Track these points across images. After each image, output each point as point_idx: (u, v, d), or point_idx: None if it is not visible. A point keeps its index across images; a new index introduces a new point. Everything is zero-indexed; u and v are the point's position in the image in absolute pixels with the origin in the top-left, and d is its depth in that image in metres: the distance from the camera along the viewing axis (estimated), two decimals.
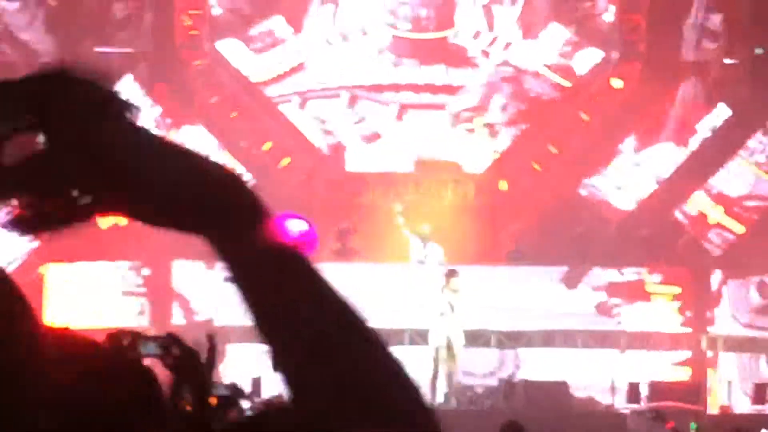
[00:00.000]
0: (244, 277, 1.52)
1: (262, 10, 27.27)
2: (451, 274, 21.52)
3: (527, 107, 27.23)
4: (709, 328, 24.56)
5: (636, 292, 24.62)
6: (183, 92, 26.54)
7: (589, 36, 27.27)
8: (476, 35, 27.09)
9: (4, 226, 1.53)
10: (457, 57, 27.05)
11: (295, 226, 1.59)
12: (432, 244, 24.25)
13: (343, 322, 1.51)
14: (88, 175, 1.48)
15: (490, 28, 27.10)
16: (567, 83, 27.37)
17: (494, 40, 27.04)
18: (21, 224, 1.52)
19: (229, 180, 1.51)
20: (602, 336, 23.86)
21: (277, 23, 27.19)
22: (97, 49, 26.14)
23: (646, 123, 26.73)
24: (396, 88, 27.07)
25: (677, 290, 24.62)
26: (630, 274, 24.77)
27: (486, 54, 27.07)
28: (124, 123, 1.50)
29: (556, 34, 27.18)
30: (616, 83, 26.93)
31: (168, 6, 26.50)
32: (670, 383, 23.21)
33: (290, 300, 1.53)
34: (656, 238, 25.42)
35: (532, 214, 25.64)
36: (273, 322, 1.53)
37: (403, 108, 27.07)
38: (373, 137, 27.13)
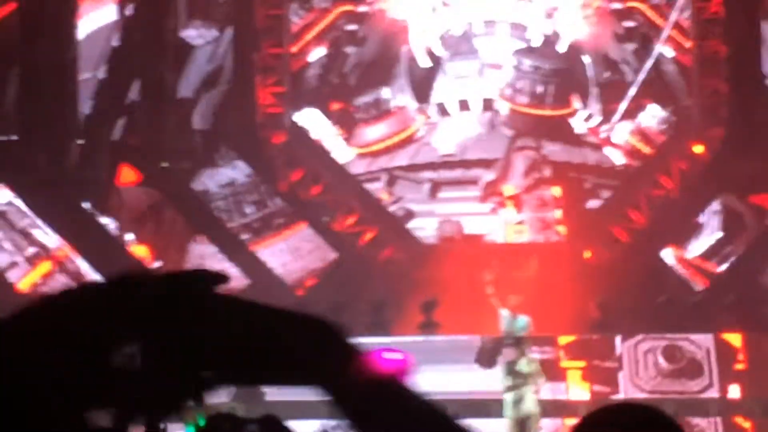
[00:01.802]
0: (355, 413, 1.60)
1: (376, 79, 27.36)
2: (525, 344, 21.65)
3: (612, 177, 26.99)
4: None
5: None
6: (266, 172, 26.37)
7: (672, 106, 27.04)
8: (588, 118, 27.19)
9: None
10: (568, 134, 27.14)
11: (390, 356, 1.65)
12: (521, 315, 23.73)
13: None
14: (212, 357, 1.56)
15: (603, 112, 27.17)
16: (647, 149, 26.99)
17: (602, 122, 27.15)
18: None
19: (323, 329, 1.57)
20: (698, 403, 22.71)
21: (386, 93, 27.35)
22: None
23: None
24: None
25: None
26: None
27: (596, 133, 27.05)
28: (223, 300, 1.58)
29: (655, 114, 27.02)
30: (698, 149, 26.47)
31: (249, 84, 26.39)
32: None
33: (396, 425, 1.62)
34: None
35: (616, 283, 24.76)
36: None
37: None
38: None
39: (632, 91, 26.94)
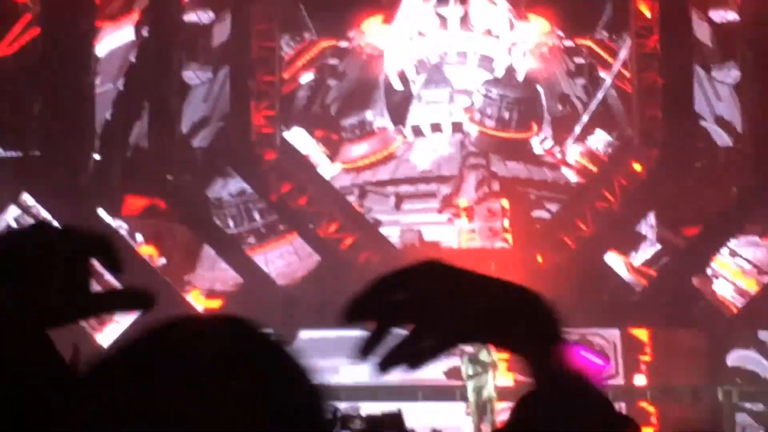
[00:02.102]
0: (546, 390, 1.60)
1: (359, 103, 27.95)
2: None
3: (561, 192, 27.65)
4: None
5: None
6: (259, 185, 26.79)
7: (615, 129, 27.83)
8: (543, 140, 28.00)
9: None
10: (528, 154, 27.90)
11: (591, 358, 1.70)
12: None
13: None
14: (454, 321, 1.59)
15: (554, 136, 28.01)
16: (593, 168, 27.74)
17: (554, 144, 27.99)
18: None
19: (545, 308, 1.58)
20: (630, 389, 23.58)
21: (370, 116, 27.92)
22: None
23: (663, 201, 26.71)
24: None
25: None
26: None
27: (552, 154, 27.91)
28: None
29: (601, 138, 27.85)
30: (636, 167, 27.18)
31: (245, 108, 26.83)
32: None
33: (579, 415, 1.61)
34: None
35: (564, 283, 24.75)
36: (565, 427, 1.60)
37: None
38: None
39: (584, 119, 27.76)
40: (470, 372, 21.23)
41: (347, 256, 26.41)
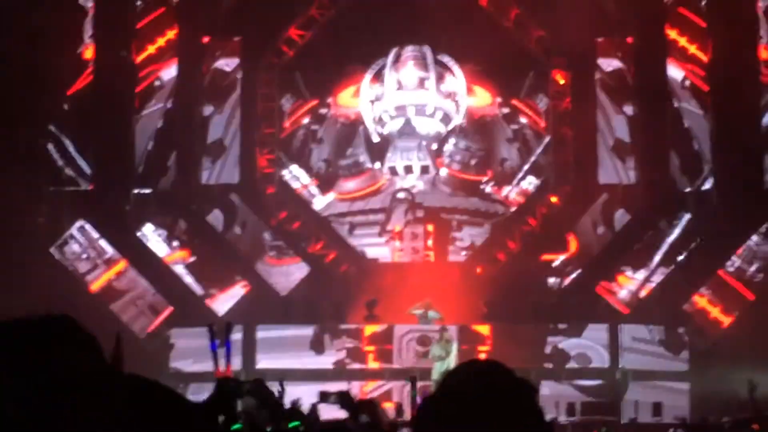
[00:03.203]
0: None
1: (343, 149, 27.72)
2: (444, 329, 21.94)
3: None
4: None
5: None
6: (262, 212, 27.16)
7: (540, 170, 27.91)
8: (492, 184, 27.89)
9: None
10: (481, 192, 27.80)
11: None
12: (432, 311, 24.42)
13: None
14: None
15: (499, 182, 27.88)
16: (521, 200, 27.88)
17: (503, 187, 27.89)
18: None
19: None
20: (548, 371, 23.61)
21: (364, 156, 27.75)
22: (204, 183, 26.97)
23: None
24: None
25: None
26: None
27: (498, 192, 27.89)
28: None
29: (531, 181, 27.96)
30: (554, 199, 27.61)
31: (251, 153, 27.20)
32: (596, 402, 23.00)
33: None
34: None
35: (499, 289, 25.67)
36: None
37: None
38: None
39: (519, 175, 27.72)
40: (438, 354, 21.15)
41: (330, 268, 26.83)
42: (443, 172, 27.66)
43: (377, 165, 27.72)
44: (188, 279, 26.12)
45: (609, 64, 27.23)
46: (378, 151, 27.82)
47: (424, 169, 27.68)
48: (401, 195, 27.36)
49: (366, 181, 27.75)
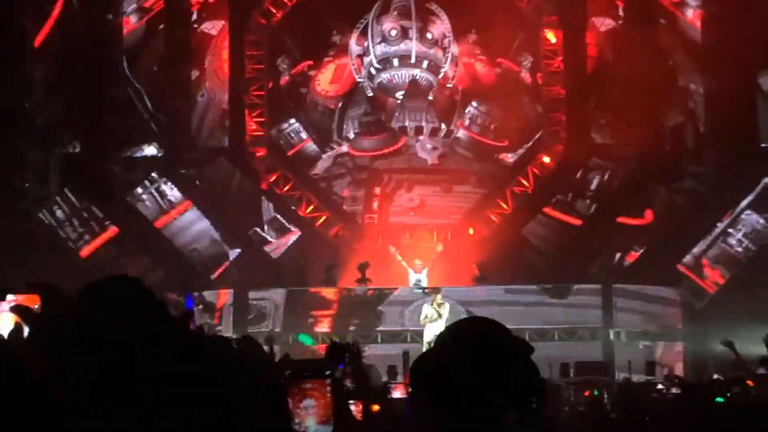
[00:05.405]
0: None
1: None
2: (436, 291, 21.92)
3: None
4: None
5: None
6: (252, 175, 27.17)
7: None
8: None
9: None
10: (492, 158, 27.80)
11: None
12: (422, 273, 24.67)
13: None
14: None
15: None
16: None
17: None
18: None
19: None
20: (542, 331, 23.54)
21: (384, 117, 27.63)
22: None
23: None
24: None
25: None
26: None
27: (505, 158, 27.75)
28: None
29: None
30: (546, 159, 27.77)
31: (240, 116, 27.07)
32: (589, 362, 22.69)
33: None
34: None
35: (491, 250, 25.62)
36: None
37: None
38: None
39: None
40: (431, 316, 21.16)
41: (321, 231, 26.88)
42: (462, 134, 27.63)
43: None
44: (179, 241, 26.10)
45: (602, 23, 27.22)
46: (385, 110, 27.90)
47: (434, 131, 27.75)
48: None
49: (385, 141, 27.66)
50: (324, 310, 23.74)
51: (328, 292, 23.96)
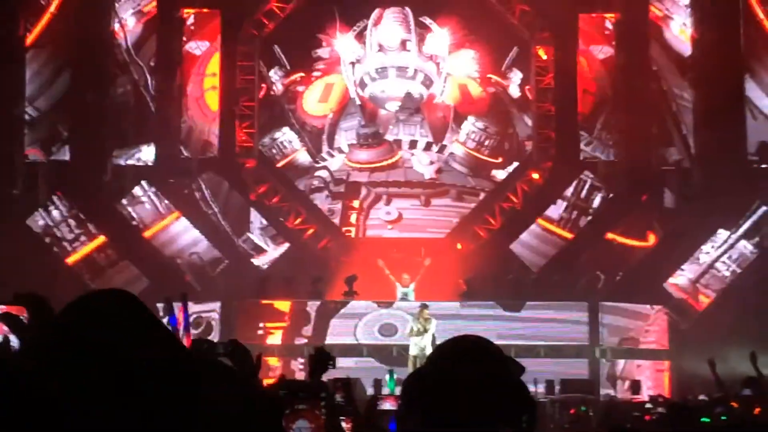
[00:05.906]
0: None
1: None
2: (423, 306, 21.78)
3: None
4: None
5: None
6: (241, 186, 27.13)
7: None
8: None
9: None
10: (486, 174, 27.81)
11: None
12: (410, 287, 24.62)
13: None
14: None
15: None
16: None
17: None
18: None
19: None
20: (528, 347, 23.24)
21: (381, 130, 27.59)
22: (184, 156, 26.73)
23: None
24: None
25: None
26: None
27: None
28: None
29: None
30: (535, 176, 27.84)
31: (230, 126, 27.04)
32: (574, 380, 22.65)
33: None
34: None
35: (478, 266, 25.59)
36: None
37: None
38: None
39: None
40: (417, 329, 21.07)
41: (310, 243, 26.84)
42: (458, 150, 27.53)
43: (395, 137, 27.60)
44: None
45: (600, 50, 27.28)
46: (377, 122, 27.77)
47: (428, 146, 27.63)
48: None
49: (383, 154, 27.54)
50: (276, 322, 23.63)
51: (281, 305, 23.83)
